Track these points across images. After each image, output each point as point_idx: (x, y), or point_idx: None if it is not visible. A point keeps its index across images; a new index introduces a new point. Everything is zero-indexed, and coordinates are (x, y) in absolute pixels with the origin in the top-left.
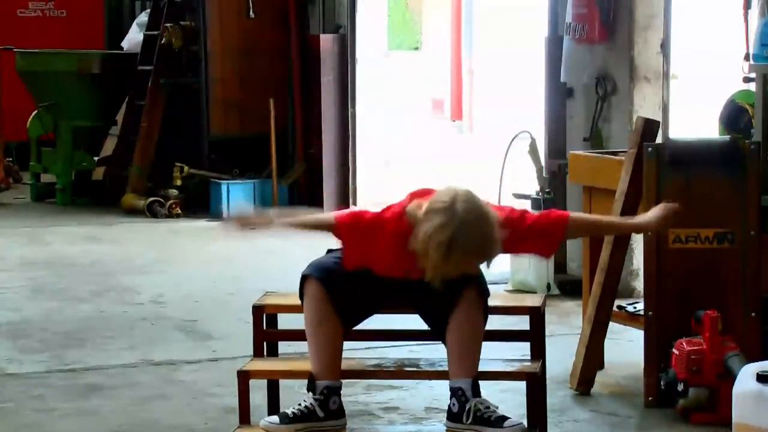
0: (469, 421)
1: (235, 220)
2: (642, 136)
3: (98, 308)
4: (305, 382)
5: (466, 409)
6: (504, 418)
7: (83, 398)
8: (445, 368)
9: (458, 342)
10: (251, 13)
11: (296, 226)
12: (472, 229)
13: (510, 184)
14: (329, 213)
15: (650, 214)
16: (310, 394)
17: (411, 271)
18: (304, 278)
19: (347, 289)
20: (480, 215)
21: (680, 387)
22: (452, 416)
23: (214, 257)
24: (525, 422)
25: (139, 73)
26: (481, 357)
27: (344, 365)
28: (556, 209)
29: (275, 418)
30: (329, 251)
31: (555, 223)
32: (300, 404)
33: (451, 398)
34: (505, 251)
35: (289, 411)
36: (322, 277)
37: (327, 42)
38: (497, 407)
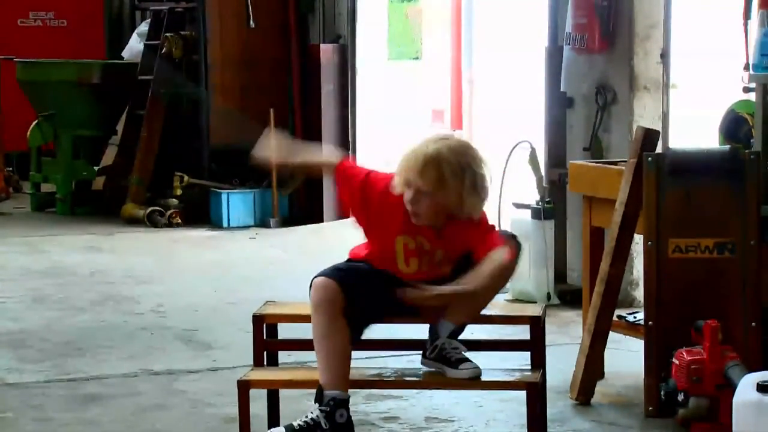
0: (431, 356)
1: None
2: (642, 146)
3: (98, 318)
4: (306, 391)
5: (433, 344)
6: (464, 360)
7: (83, 408)
8: (445, 378)
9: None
10: (251, 22)
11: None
12: (458, 147)
13: (510, 193)
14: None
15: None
16: (317, 405)
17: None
18: (318, 280)
19: (359, 291)
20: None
21: (680, 397)
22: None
23: (214, 267)
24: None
25: (139, 83)
26: (481, 367)
27: None
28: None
29: (281, 430)
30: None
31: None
32: (307, 416)
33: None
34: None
35: (295, 423)
36: (339, 278)
37: (327, 52)
38: (465, 350)
